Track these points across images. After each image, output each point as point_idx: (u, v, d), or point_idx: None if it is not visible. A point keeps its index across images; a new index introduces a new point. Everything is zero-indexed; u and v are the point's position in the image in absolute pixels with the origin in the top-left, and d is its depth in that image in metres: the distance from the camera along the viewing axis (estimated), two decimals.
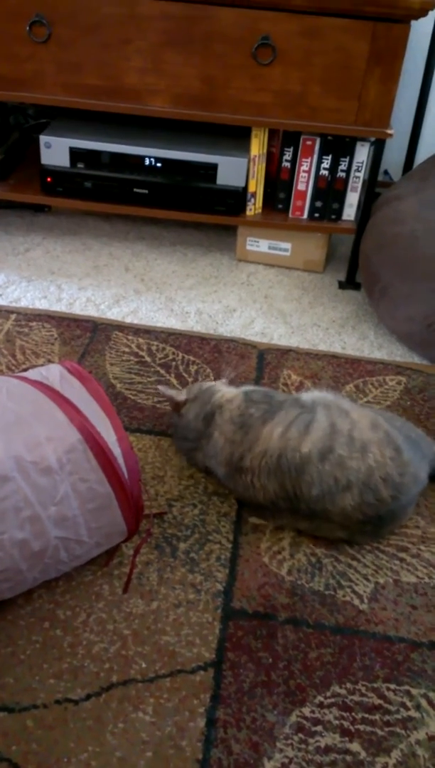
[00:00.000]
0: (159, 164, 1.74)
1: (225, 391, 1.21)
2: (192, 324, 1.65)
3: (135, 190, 1.77)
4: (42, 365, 1.12)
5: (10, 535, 0.89)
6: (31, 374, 1.03)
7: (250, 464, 1.11)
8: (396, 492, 1.07)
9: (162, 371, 1.47)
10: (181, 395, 1.22)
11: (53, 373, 1.02)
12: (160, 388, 1.24)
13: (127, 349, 1.53)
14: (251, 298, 1.76)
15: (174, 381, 1.44)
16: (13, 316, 1.60)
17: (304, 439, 1.08)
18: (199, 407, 1.19)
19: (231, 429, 1.14)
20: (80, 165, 1.75)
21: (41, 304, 1.67)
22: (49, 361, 1.46)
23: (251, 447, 1.11)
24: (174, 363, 1.50)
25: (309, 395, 1.20)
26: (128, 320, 1.64)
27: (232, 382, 1.29)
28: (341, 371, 1.51)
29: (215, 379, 1.38)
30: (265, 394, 1.20)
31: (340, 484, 1.06)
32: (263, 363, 1.52)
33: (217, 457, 1.15)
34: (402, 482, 1.08)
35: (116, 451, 0.95)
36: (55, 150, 1.74)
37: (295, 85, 1.57)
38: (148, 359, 1.50)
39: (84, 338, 1.55)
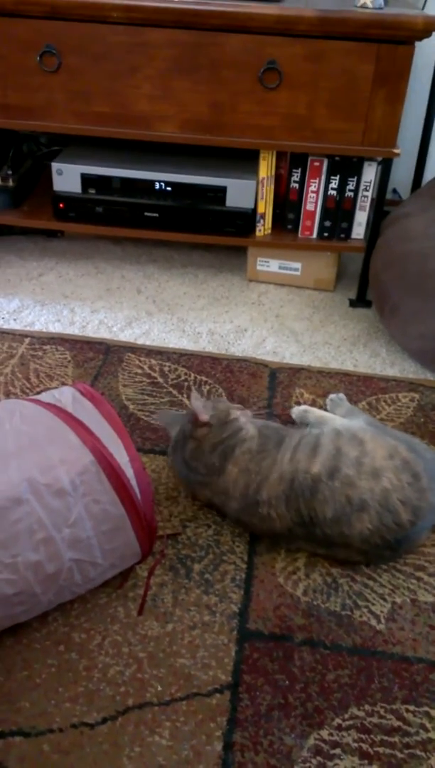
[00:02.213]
0: (169, 188, 1.77)
1: (249, 428, 1.17)
2: (204, 344, 1.66)
3: (146, 213, 1.79)
4: (55, 388, 1.13)
5: (24, 558, 0.89)
6: (44, 397, 1.04)
7: (266, 496, 1.09)
8: (415, 516, 1.07)
9: (174, 392, 1.48)
10: (205, 414, 1.15)
11: (65, 396, 1.03)
12: (194, 395, 1.16)
13: (139, 371, 1.54)
14: (262, 317, 1.77)
15: (187, 402, 1.44)
16: (27, 340, 1.62)
17: (313, 460, 1.08)
18: (220, 438, 1.14)
19: (246, 458, 1.12)
20: (92, 190, 1.78)
21: (55, 328, 1.69)
22: (63, 384, 1.48)
23: (268, 475, 1.10)
24: (186, 383, 1.50)
25: (330, 427, 1.19)
26: (140, 342, 1.65)
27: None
28: (354, 389, 1.51)
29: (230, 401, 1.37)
30: (276, 429, 1.19)
31: (353, 503, 1.05)
32: (275, 382, 1.52)
33: (230, 491, 1.12)
34: (420, 506, 1.07)
35: (129, 472, 0.96)
36: (67, 176, 1.77)
37: (302, 108, 1.59)
38: (160, 380, 1.51)
39: (97, 360, 1.56)
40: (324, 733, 0.90)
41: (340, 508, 1.05)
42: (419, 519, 1.07)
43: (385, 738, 0.90)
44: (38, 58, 1.57)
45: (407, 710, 0.93)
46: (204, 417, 1.15)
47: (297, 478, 1.08)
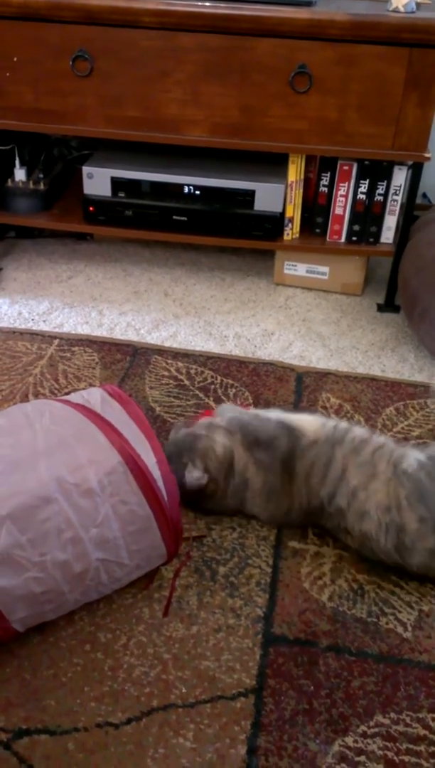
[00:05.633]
0: (197, 192, 1.77)
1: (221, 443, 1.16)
2: (230, 348, 1.66)
3: (174, 217, 1.80)
4: (84, 389, 1.14)
5: (53, 557, 0.90)
6: (73, 397, 1.05)
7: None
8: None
9: (201, 395, 1.48)
10: (203, 477, 1.12)
11: (94, 397, 1.03)
12: (188, 476, 1.11)
13: (166, 373, 1.54)
14: (289, 321, 1.77)
15: (213, 404, 1.45)
16: (56, 341, 1.63)
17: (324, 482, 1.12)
18: (229, 480, 1.15)
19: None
20: (121, 194, 1.79)
21: (83, 329, 1.70)
22: (91, 385, 1.49)
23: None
24: (213, 386, 1.51)
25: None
26: (167, 344, 1.66)
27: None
28: (381, 394, 1.50)
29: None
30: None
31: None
32: (302, 386, 1.52)
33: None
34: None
35: (156, 473, 0.96)
36: (97, 180, 1.78)
37: (332, 112, 1.59)
38: (187, 383, 1.52)
39: (124, 362, 1.57)
40: (349, 740, 0.89)
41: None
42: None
43: (411, 746, 0.89)
44: (71, 62, 1.59)
45: (433, 719, 0.92)
46: (203, 480, 1.13)
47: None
